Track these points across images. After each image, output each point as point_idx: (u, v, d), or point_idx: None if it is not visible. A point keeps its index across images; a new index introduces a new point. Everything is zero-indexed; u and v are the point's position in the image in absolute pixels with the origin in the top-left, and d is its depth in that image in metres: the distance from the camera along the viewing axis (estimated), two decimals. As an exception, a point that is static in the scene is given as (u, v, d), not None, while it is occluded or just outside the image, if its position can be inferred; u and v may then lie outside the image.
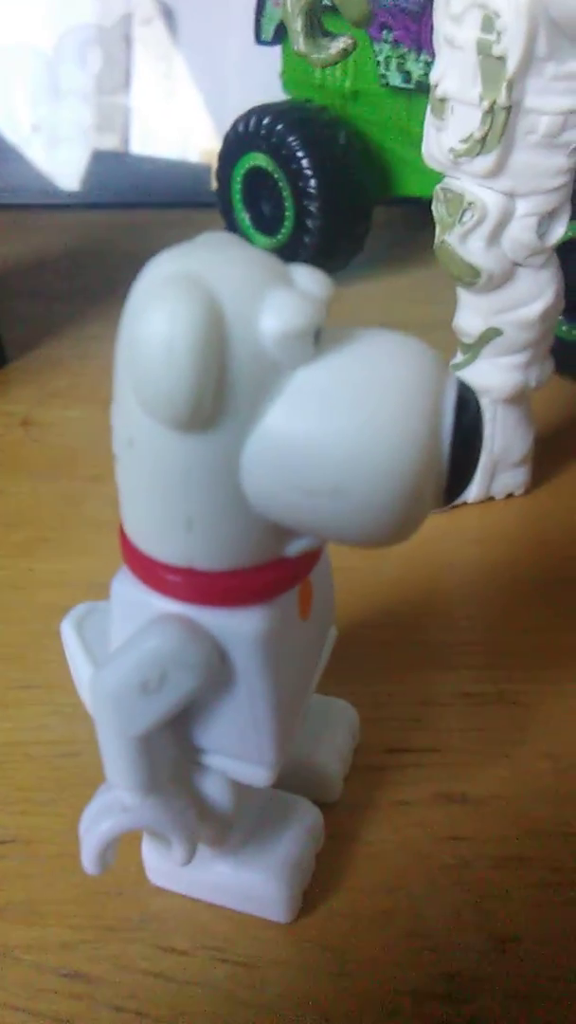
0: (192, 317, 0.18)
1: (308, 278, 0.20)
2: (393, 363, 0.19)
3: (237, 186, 0.78)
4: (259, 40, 0.81)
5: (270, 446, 0.19)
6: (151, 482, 0.21)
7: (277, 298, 0.19)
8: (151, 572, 0.22)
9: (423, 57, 0.66)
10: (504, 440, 0.46)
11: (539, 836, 0.31)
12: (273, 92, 0.80)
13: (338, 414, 0.19)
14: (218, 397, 0.19)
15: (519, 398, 0.45)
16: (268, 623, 0.22)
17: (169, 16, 0.95)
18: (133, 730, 0.23)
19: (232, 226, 0.80)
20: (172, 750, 0.24)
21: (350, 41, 0.41)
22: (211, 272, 0.19)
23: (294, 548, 0.22)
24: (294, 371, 0.19)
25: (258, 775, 0.25)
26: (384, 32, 0.68)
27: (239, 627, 0.22)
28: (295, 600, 0.24)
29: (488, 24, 0.34)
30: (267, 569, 0.22)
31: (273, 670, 0.23)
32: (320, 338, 0.19)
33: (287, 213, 0.74)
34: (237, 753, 0.25)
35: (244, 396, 0.19)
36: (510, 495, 0.49)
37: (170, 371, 0.18)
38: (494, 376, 0.44)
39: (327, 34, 0.41)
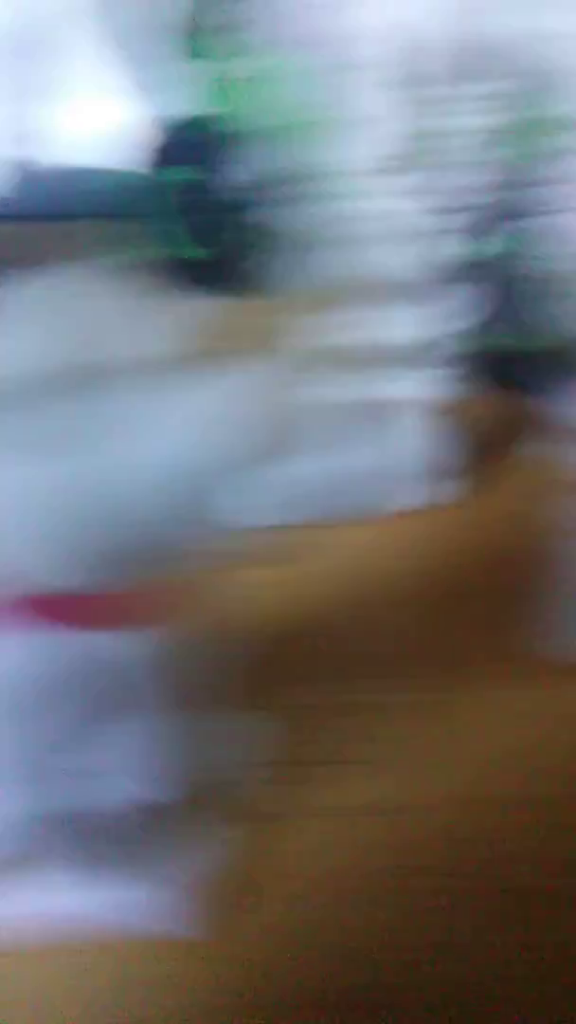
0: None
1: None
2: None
3: (167, 198, 0.77)
4: (186, 53, 0.81)
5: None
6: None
7: None
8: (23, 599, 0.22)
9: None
10: (435, 451, 0.46)
11: (462, 843, 0.31)
12: (202, 104, 0.80)
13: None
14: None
15: (450, 410, 0.45)
16: (138, 646, 0.22)
17: (97, 23, 0.94)
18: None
19: (162, 238, 0.80)
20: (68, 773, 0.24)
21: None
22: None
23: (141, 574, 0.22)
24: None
25: (157, 793, 0.25)
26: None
27: (115, 649, 0.22)
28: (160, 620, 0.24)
29: (408, 48, 0.35)
30: (135, 594, 0.22)
31: (154, 690, 0.23)
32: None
33: (219, 225, 0.73)
34: (135, 772, 0.24)
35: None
36: (440, 505, 0.49)
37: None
38: (424, 389, 0.44)
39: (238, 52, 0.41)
